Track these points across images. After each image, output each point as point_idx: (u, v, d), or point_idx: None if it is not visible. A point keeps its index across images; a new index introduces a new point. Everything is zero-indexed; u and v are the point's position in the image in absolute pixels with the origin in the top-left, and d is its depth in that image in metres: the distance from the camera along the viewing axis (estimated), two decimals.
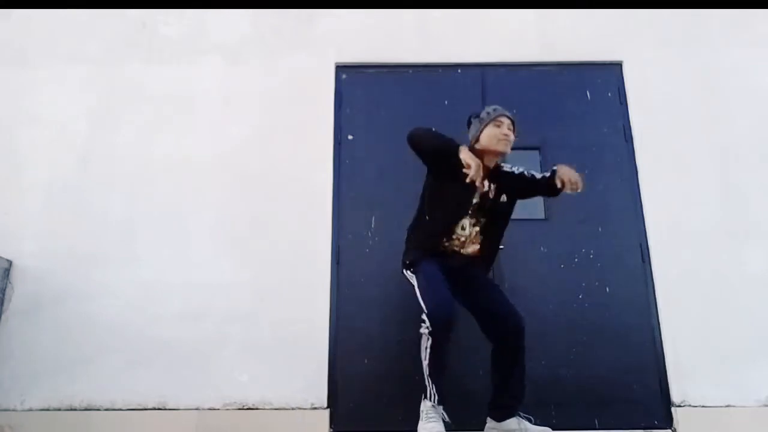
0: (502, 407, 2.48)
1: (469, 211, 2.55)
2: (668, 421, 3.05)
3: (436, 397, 2.36)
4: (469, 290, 2.57)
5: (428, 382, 2.38)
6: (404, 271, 2.60)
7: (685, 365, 3.10)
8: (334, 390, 3.10)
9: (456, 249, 2.58)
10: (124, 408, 3.05)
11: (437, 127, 2.77)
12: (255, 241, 3.32)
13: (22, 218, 3.38)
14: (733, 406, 3.01)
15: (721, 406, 3.01)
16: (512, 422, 2.45)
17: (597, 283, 3.27)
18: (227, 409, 3.05)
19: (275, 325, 3.17)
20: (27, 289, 3.25)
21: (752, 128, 3.49)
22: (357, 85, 3.65)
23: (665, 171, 3.42)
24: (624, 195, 3.42)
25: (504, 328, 2.49)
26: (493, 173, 2.61)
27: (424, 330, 2.36)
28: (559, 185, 2.48)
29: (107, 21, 3.77)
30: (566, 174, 2.47)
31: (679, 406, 3.04)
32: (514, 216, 3.36)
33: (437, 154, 2.52)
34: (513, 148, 3.44)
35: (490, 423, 2.52)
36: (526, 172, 2.70)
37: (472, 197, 2.54)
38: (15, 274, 3.27)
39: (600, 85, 3.64)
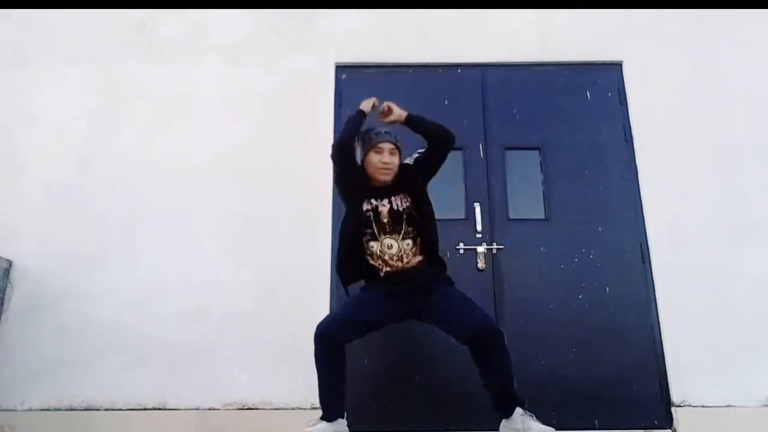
0: (505, 404, 2.47)
1: (387, 230, 2.49)
2: (668, 421, 3.05)
3: (322, 414, 2.38)
4: (433, 310, 2.51)
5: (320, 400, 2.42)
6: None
7: (685, 365, 3.10)
8: None
9: (396, 267, 2.49)
10: (124, 408, 3.05)
11: None
12: (255, 241, 3.32)
13: (22, 218, 3.38)
14: (733, 406, 3.02)
15: (721, 406, 3.02)
16: (517, 417, 2.43)
17: (597, 283, 3.27)
18: (227, 409, 3.05)
19: (275, 325, 3.18)
20: (27, 289, 3.25)
21: (752, 128, 3.49)
22: (357, 85, 3.65)
23: (665, 171, 3.43)
24: (624, 195, 3.42)
25: (485, 344, 2.44)
26: (398, 184, 2.57)
27: None
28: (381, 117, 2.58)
29: (107, 21, 3.77)
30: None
31: (679, 406, 3.04)
32: (514, 216, 3.40)
33: (350, 138, 2.58)
34: (513, 148, 3.51)
35: (502, 422, 2.50)
36: (417, 155, 2.65)
37: (376, 216, 2.50)
38: (15, 274, 3.27)
39: (600, 85, 3.65)
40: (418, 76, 3.67)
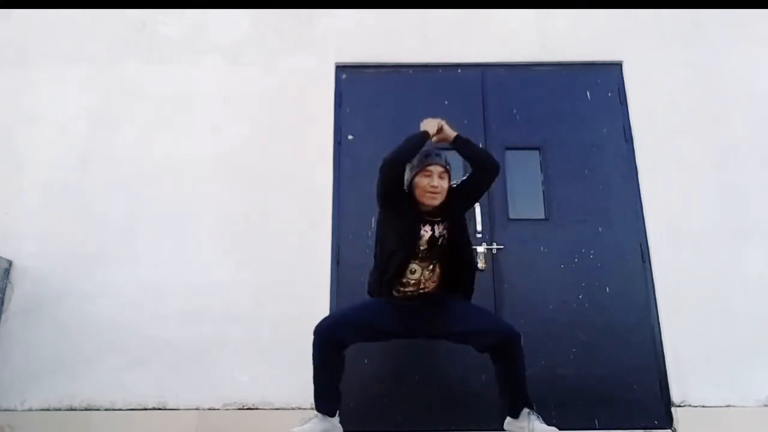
0: (514, 404, 2.48)
1: (419, 255, 2.48)
2: (668, 421, 3.05)
3: (319, 405, 2.41)
4: (448, 324, 2.51)
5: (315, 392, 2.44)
6: None
7: (685, 365, 3.10)
8: None
9: (412, 291, 2.52)
10: (124, 408, 3.05)
11: None
12: (255, 240, 3.32)
13: (22, 218, 3.38)
14: (733, 406, 3.01)
15: (721, 406, 3.02)
16: (524, 416, 2.44)
17: (597, 283, 3.27)
18: (227, 409, 3.05)
19: (275, 325, 3.18)
20: (27, 289, 3.25)
21: (752, 128, 3.49)
22: (357, 85, 3.65)
23: (665, 171, 3.42)
24: (624, 195, 3.42)
25: (504, 350, 2.45)
26: (442, 211, 2.52)
27: None
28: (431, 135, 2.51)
29: (107, 21, 3.77)
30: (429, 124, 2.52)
31: (679, 406, 3.04)
32: (514, 216, 3.40)
33: (405, 159, 2.47)
34: (513, 148, 3.52)
35: (507, 419, 2.52)
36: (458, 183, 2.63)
37: (417, 236, 2.48)
38: (15, 274, 3.27)
39: (600, 85, 3.64)
40: (418, 76, 3.67)
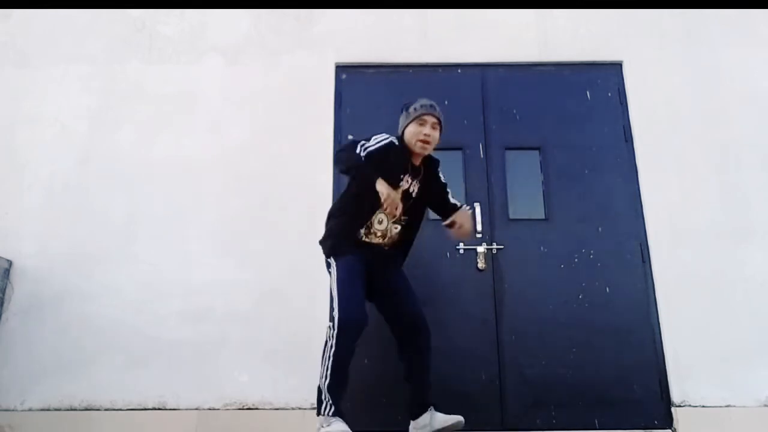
0: (418, 405, 2.51)
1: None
2: (668, 421, 3.05)
3: (331, 410, 2.29)
4: (385, 290, 2.56)
5: (325, 396, 2.31)
6: (327, 259, 2.59)
7: (685, 365, 3.10)
8: None
9: (376, 242, 2.57)
10: (124, 408, 3.05)
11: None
12: (255, 240, 3.32)
13: (22, 218, 3.38)
14: (733, 406, 3.01)
15: (721, 406, 3.02)
16: (425, 416, 2.47)
17: (597, 283, 3.27)
18: (227, 409, 3.05)
19: (275, 325, 3.18)
20: (27, 289, 3.25)
21: (752, 128, 3.49)
22: (357, 85, 3.65)
23: (665, 171, 3.43)
24: (624, 195, 3.42)
25: (416, 336, 2.51)
26: (419, 169, 2.60)
27: (330, 334, 2.34)
28: (452, 226, 2.51)
29: (107, 21, 3.78)
30: (462, 220, 2.51)
31: (679, 406, 3.04)
32: (514, 216, 3.40)
33: (351, 172, 2.53)
34: (513, 148, 3.52)
35: (411, 424, 2.53)
36: (446, 188, 2.71)
37: (397, 183, 2.51)
38: (15, 274, 3.27)
39: (600, 85, 3.64)
40: (418, 76, 3.67)
